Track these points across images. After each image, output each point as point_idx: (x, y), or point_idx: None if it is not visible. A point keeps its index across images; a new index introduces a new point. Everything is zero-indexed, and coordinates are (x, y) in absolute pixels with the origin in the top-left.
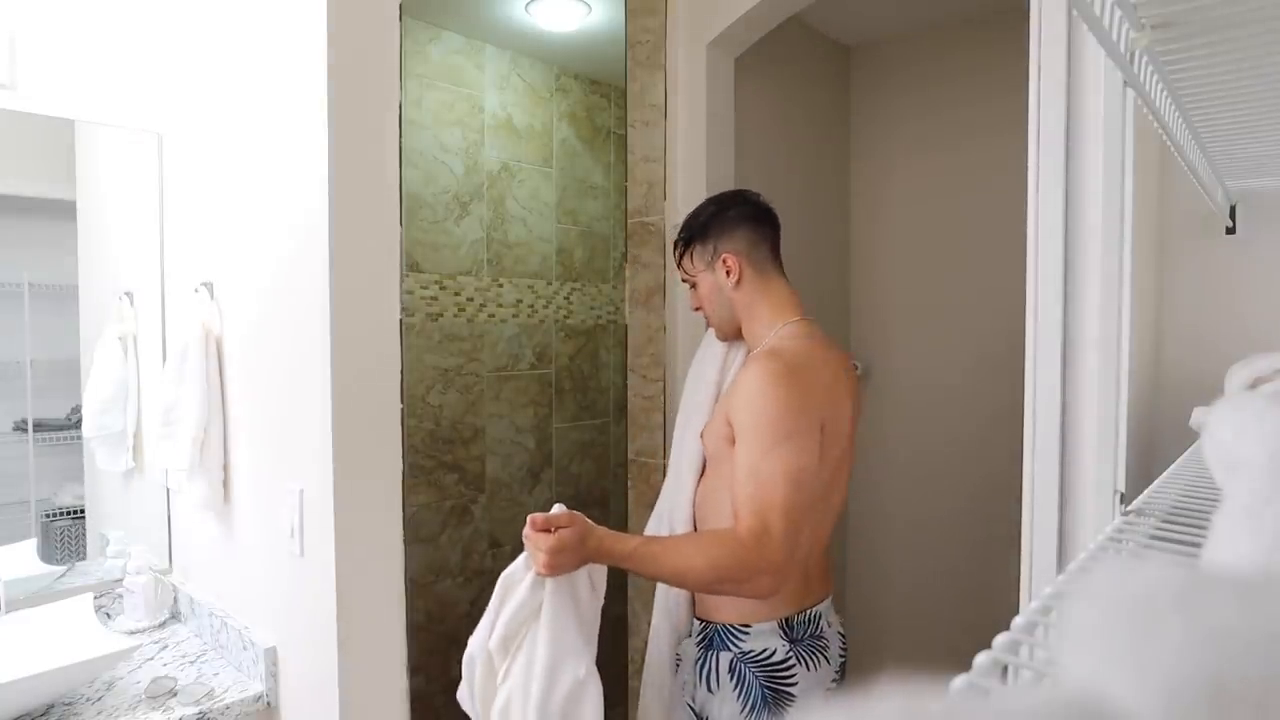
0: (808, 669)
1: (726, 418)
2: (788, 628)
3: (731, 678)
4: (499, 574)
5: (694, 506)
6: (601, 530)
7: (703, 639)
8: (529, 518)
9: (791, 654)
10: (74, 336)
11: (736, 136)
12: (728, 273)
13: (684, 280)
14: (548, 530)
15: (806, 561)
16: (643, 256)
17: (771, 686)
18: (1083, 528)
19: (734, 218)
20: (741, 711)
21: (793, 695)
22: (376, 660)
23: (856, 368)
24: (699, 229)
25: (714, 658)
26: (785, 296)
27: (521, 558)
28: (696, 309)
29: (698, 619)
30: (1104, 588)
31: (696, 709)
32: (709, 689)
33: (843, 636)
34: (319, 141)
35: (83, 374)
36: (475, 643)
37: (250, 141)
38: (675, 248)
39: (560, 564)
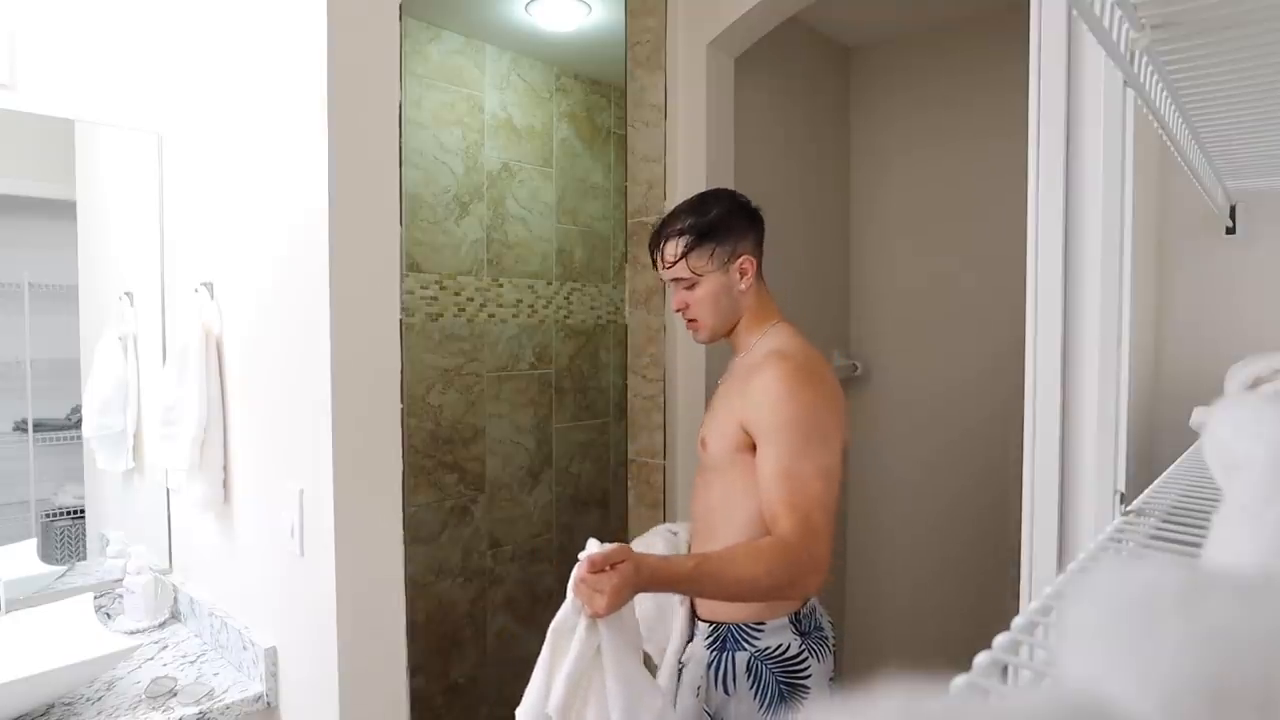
0: (818, 660)
1: (740, 423)
2: (797, 621)
3: (749, 677)
4: (499, 574)
5: (693, 519)
6: (648, 557)
7: (714, 641)
8: (585, 559)
9: (804, 647)
10: (74, 336)
11: (736, 136)
12: (742, 274)
13: (680, 279)
14: (602, 570)
15: None
16: (643, 256)
17: (788, 682)
18: (1083, 528)
19: (747, 218)
20: (759, 710)
21: (807, 688)
22: (376, 660)
23: (856, 368)
24: (713, 228)
25: (729, 659)
26: (770, 299)
27: (568, 604)
28: (681, 309)
29: (704, 620)
30: (1104, 588)
31: (711, 712)
32: (725, 691)
33: (831, 626)
34: (319, 141)
35: (83, 374)
36: (529, 713)
37: (250, 142)
38: (670, 244)
39: (621, 602)
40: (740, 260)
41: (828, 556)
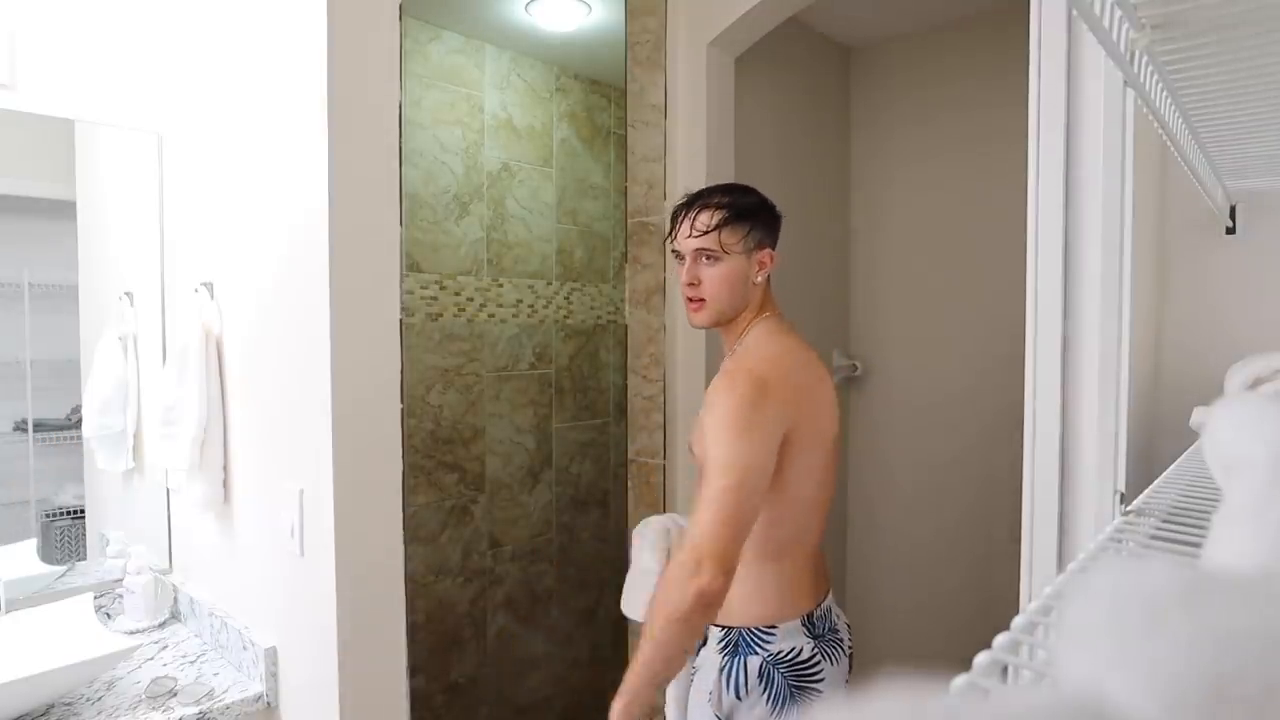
0: (831, 664)
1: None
2: (810, 624)
3: (761, 682)
4: (499, 574)
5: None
6: (620, 699)
7: (725, 645)
8: None
9: (816, 651)
10: (74, 336)
11: (736, 136)
12: (760, 266)
13: (705, 250)
14: None
15: (816, 556)
16: (643, 256)
17: (800, 686)
18: (1083, 528)
19: (773, 216)
20: (771, 715)
21: (820, 693)
22: (376, 660)
23: (856, 368)
24: (749, 211)
25: (741, 663)
26: (771, 299)
27: None
28: (693, 283)
29: (716, 625)
30: (1104, 588)
31: (723, 717)
32: (737, 696)
33: (848, 627)
34: (319, 141)
35: (83, 374)
36: None
37: (250, 141)
38: (706, 213)
39: None
40: (763, 252)
41: (718, 546)
